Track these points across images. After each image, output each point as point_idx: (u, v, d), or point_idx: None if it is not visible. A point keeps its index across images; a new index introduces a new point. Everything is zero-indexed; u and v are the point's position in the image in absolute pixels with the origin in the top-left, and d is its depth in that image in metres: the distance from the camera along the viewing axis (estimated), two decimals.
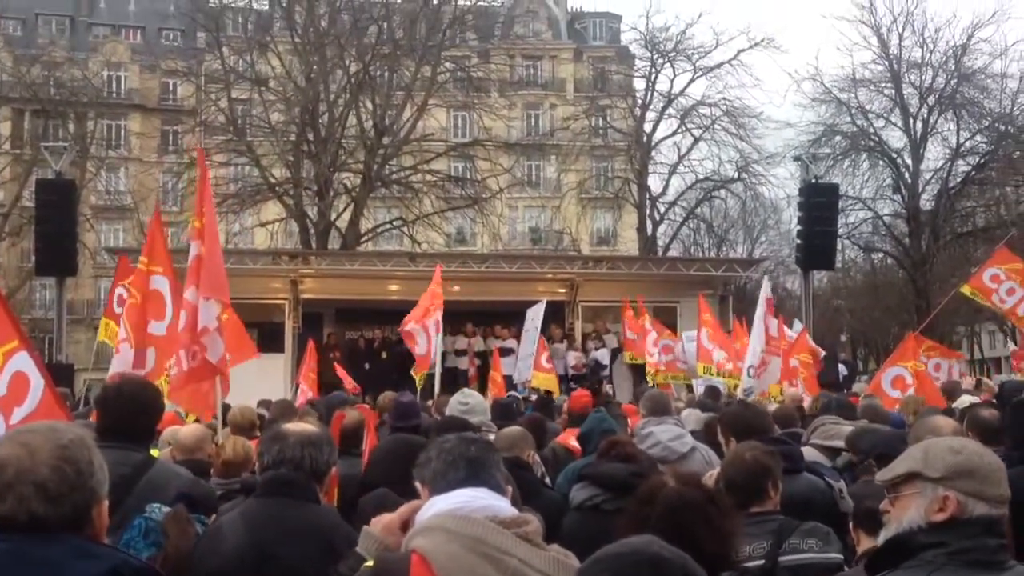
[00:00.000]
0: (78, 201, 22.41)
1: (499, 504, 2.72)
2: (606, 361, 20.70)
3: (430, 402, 11.67)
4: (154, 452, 7.54)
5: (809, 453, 5.80)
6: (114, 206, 46.79)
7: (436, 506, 2.69)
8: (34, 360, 4.87)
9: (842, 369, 21.72)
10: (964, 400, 10.40)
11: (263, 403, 10.66)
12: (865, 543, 3.66)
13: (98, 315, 49.54)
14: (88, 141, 37.93)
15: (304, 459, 3.70)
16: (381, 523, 2.90)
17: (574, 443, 7.87)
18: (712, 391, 12.16)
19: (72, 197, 19.99)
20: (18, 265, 41.91)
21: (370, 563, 2.68)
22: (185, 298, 7.36)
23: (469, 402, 6.77)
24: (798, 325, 17.57)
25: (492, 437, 6.07)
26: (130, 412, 4.54)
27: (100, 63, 45.36)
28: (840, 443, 6.07)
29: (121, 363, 8.31)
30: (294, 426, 3.96)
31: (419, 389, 13.49)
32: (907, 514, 2.63)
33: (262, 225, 34.20)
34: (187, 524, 3.94)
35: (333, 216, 31.91)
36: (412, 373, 13.49)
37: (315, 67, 31.27)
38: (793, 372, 13.21)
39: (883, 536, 2.71)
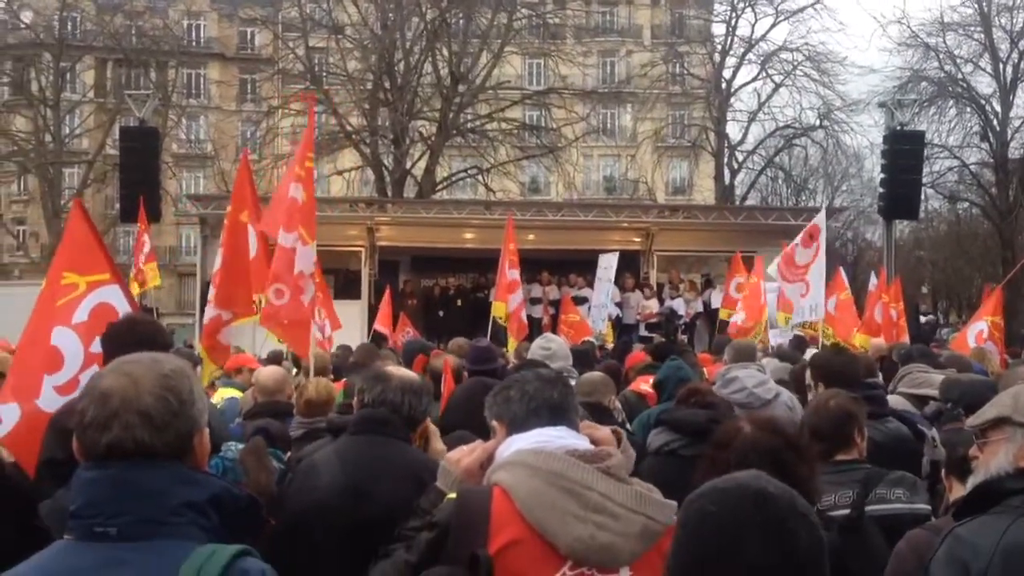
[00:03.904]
0: (161, 148, 22.83)
1: (578, 442, 2.74)
2: (682, 310, 20.57)
3: (504, 349, 11.77)
4: (238, 392, 7.77)
5: (896, 401, 5.73)
6: (194, 154, 47.60)
7: (516, 444, 2.73)
8: (127, 297, 5.00)
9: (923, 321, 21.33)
10: None
11: (341, 348, 10.85)
12: (958, 491, 3.60)
13: (181, 261, 50.75)
14: (169, 90, 38.52)
15: (404, 404, 3.74)
16: (456, 460, 2.94)
17: (645, 388, 7.92)
18: (799, 341, 12.02)
19: (155, 144, 20.39)
20: (102, 212, 42.92)
21: (452, 495, 2.72)
22: (280, 243, 7.54)
23: (552, 347, 6.74)
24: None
25: (573, 383, 6.10)
26: (135, 348, 4.59)
27: (180, 12, 45.86)
28: (929, 391, 5.99)
29: (211, 310, 8.40)
30: (397, 370, 4.00)
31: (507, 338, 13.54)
32: (995, 460, 2.60)
33: (339, 173, 34.49)
34: (264, 456, 4.01)
35: (409, 164, 32.03)
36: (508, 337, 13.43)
37: (391, 15, 31.25)
38: (879, 323, 13.01)
39: (971, 482, 2.69)
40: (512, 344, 12.80)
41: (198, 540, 1.98)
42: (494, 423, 2.88)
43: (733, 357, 6.62)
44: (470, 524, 2.51)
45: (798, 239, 12.40)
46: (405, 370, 4.21)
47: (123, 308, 4.90)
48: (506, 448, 2.75)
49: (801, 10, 39.24)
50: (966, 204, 42.05)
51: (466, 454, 2.92)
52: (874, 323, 13.32)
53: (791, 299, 12.44)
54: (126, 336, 4.11)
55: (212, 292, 8.18)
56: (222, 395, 7.62)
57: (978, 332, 12.57)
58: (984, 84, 38.24)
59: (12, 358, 5.16)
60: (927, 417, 5.65)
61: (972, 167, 39.17)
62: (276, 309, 7.38)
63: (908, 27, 38.49)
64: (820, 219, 12.39)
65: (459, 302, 22.00)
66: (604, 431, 2.96)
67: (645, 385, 7.90)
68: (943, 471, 3.81)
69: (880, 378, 7.07)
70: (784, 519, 1.94)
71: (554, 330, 15.01)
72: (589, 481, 2.51)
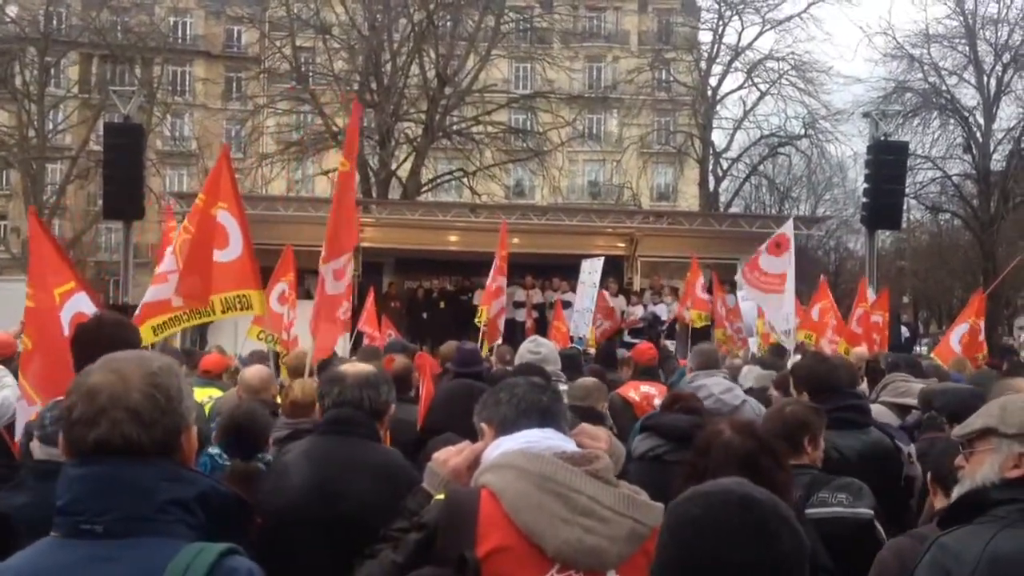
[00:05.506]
0: (145, 145, 22.68)
1: (566, 444, 2.74)
2: (664, 316, 20.61)
3: (487, 352, 11.76)
4: (218, 393, 7.70)
5: (879, 411, 5.75)
6: (179, 152, 47.36)
7: (504, 446, 2.73)
8: (93, 300, 4.98)
9: (904, 331, 21.43)
10: None
11: None
12: (941, 501, 3.62)
13: None
14: (155, 87, 38.32)
15: (363, 399, 3.83)
16: (443, 461, 2.93)
17: (633, 395, 7.92)
18: (778, 349, 12.05)
19: (140, 141, 20.21)
20: (85, 208, 42.63)
21: (440, 496, 2.72)
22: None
23: (541, 351, 6.72)
24: None
25: (563, 387, 6.08)
26: (104, 349, 4.51)
27: (166, 8, 45.61)
28: (911, 400, 6.01)
29: (167, 291, 8.16)
30: (351, 367, 4.09)
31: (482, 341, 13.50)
32: (981, 470, 2.61)
33: (324, 173, 34.39)
34: (247, 480, 4.05)
35: (394, 166, 31.99)
36: (483, 340, 13.37)
37: (379, 15, 31.22)
38: (857, 333, 13.04)
39: (956, 492, 2.70)
40: (486, 348, 12.77)
41: (185, 538, 1.97)
42: (483, 425, 2.89)
43: (698, 364, 6.63)
44: (458, 526, 2.51)
45: (764, 247, 12.39)
46: (359, 364, 4.26)
47: (92, 313, 4.88)
48: (493, 450, 2.75)
49: (788, 19, 39.64)
50: (948, 215, 42.29)
51: (453, 455, 2.92)
52: (852, 332, 13.38)
53: (768, 310, 12.47)
54: (93, 335, 4.09)
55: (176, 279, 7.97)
56: (205, 394, 7.54)
57: (961, 335, 12.66)
58: (968, 96, 38.53)
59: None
60: (909, 426, 5.67)
61: (955, 178, 39.40)
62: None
63: (893, 38, 38.81)
64: (788, 228, 12.39)
65: (442, 304, 21.97)
66: (601, 436, 2.97)
67: (634, 392, 7.92)
68: (928, 479, 3.82)
69: (865, 385, 7.10)
70: (767, 523, 1.96)
71: (540, 333, 15.01)
72: (577, 484, 2.51)
